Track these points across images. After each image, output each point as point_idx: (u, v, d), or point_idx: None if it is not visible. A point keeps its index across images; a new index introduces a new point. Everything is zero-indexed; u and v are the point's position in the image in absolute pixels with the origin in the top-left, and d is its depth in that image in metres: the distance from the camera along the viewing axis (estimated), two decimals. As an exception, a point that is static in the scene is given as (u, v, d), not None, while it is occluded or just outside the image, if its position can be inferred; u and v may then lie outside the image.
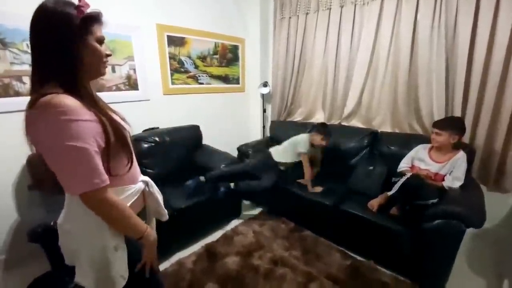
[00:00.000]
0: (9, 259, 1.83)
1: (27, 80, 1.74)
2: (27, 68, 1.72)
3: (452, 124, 1.82)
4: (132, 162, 0.84)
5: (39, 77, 0.69)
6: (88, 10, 0.71)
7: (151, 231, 0.87)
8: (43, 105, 0.63)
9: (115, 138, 0.74)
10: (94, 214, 0.74)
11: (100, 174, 0.69)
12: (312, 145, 2.40)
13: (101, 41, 0.75)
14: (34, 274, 1.53)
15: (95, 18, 0.72)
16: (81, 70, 0.71)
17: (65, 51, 0.68)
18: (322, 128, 2.40)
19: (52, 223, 1.32)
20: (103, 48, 0.77)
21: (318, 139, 2.36)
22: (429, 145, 1.97)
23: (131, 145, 0.85)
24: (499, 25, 1.83)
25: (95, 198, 0.70)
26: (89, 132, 0.67)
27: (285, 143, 2.51)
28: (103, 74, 0.80)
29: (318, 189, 2.27)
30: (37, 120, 0.65)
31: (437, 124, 1.87)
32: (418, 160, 1.98)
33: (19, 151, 1.64)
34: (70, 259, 0.83)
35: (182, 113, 2.79)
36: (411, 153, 2.05)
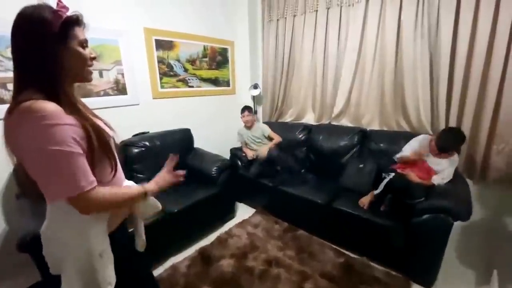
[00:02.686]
0: (-2, 271, 1.79)
1: (10, 87, 1.70)
2: (12, 75, 1.69)
3: (454, 144, 1.86)
4: (116, 169, 0.82)
5: (19, 83, 0.69)
6: (68, 13, 0.71)
7: (148, 186, 0.88)
8: (22, 111, 0.62)
9: (98, 144, 0.72)
10: (77, 221, 0.73)
11: (86, 176, 0.67)
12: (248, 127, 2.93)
13: (84, 44, 0.75)
14: (25, 284, 1.50)
15: (75, 22, 0.72)
16: (62, 75, 0.70)
17: (43, 56, 0.67)
18: (244, 110, 2.89)
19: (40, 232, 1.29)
20: (88, 51, 0.76)
21: (246, 118, 2.86)
22: (430, 137, 2.01)
23: (115, 152, 0.83)
24: (480, 22, 1.89)
25: (83, 201, 0.68)
26: (71, 135, 0.65)
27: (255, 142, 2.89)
28: (89, 79, 0.79)
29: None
30: (17, 127, 0.63)
31: (439, 147, 1.87)
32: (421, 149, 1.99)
33: (5, 159, 1.61)
34: (55, 268, 0.80)
35: (172, 116, 2.77)
36: (415, 143, 2.03)
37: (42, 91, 0.66)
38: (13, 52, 0.69)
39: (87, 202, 0.68)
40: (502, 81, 1.89)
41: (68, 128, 0.65)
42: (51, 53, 0.67)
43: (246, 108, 2.89)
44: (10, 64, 1.70)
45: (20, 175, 1.65)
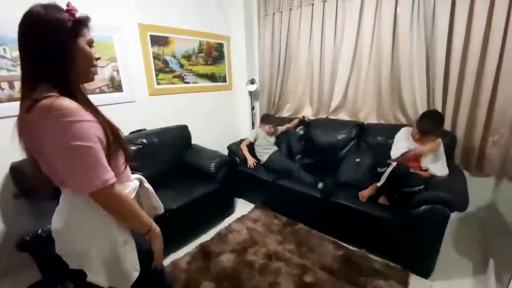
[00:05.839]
0: (-3, 271, 1.78)
1: (4, 85, 1.68)
2: (4, 74, 1.66)
3: (435, 126, 1.83)
4: (128, 159, 0.87)
5: (31, 81, 0.70)
6: (77, 15, 0.73)
7: (156, 227, 0.91)
8: (44, 109, 0.64)
9: (113, 138, 0.77)
10: (99, 213, 0.76)
11: (109, 171, 0.72)
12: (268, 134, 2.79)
13: (90, 44, 0.78)
14: (25, 284, 1.50)
15: (85, 21, 0.75)
16: (73, 72, 0.73)
17: (59, 53, 0.69)
18: (270, 122, 2.76)
19: (40, 231, 1.29)
20: (93, 51, 0.79)
21: (268, 130, 2.74)
22: (410, 128, 2.01)
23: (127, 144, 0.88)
24: (475, 15, 1.89)
25: (105, 195, 0.72)
26: (92, 131, 0.69)
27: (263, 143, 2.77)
28: (92, 79, 0.82)
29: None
30: (39, 124, 0.65)
31: (422, 129, 1.86)
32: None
33: (1, 159, 1.60)
34: (77, 262, 0.81)
35: (169, 113, 2.76)
36: (400, 140, 2.00)
37: (57, 87, 0.69)
38: (23, 50, 0.70)
39: (107, 196, 0.73)
40: (498, 73, 1.90)
41: (88, 124, 0.69)
42: (64, 50, 0.70)
43: (272, 122, 2.76)
44: (3, 63, 1.68)
45: (23, 173, 1.65)
